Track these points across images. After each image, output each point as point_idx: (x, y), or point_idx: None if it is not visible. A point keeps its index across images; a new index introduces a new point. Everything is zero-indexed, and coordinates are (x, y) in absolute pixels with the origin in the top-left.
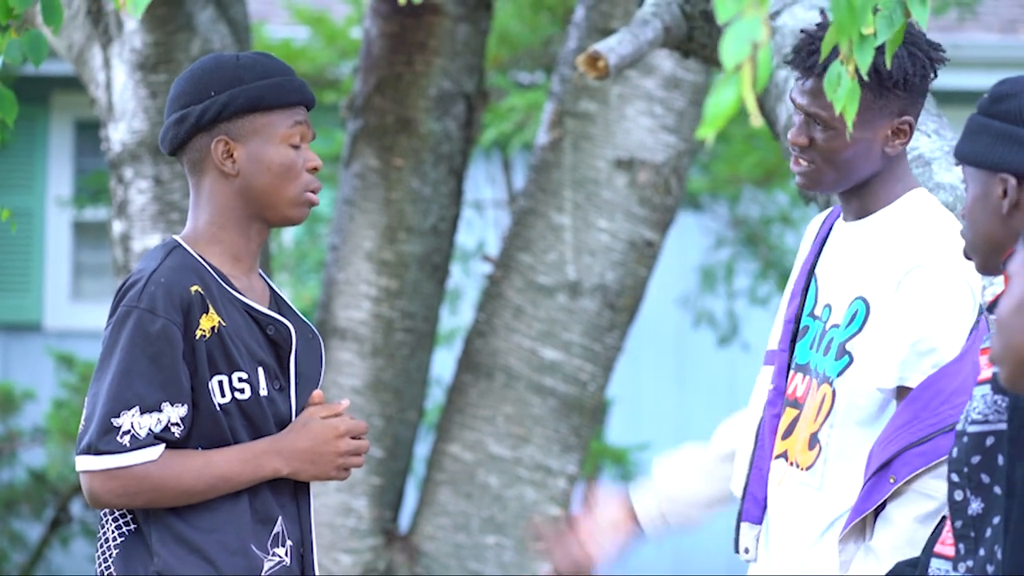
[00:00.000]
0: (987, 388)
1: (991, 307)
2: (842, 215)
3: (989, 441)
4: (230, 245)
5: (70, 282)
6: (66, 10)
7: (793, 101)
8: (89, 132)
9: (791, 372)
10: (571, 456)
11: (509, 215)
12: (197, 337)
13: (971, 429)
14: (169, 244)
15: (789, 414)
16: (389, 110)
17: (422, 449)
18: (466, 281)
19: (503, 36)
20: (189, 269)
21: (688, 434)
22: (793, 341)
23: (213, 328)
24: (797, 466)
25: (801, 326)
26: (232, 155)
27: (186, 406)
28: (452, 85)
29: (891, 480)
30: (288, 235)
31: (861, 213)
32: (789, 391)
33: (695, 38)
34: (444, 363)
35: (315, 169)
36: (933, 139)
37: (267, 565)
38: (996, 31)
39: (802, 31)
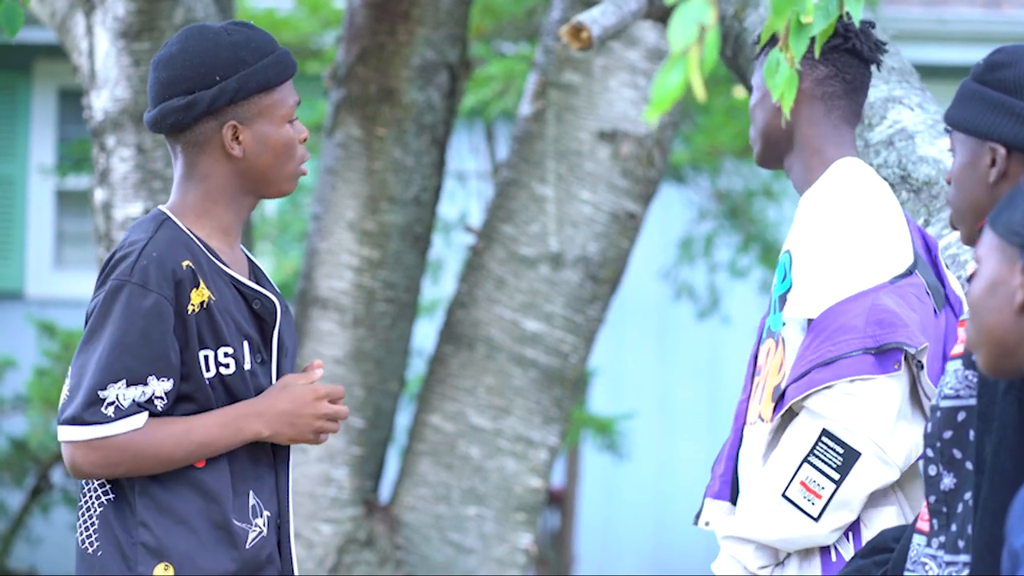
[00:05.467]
0: (959, 363)
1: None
2: None
3: (960, 416)
4: (220, 219)
5: (52, 250)
6: None
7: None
8: (72, 100)
9: (760, 346)
10: (552, 428)
11: (492, 186)
12: (188, 312)
13: (943, 404)
14: (158, 216)
15: (755, 383)
16: (372, 80)
17: (403, 419)
18: (447, 252)
19: (486, 6)
20: (180, 243)
21: (670, 405)
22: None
23: (202, 303)
24: (761, 419)
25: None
26: (238, 138)
27: (172, 381)
28: (435, 55)
29: (781, 414)
30: (270, 205)
31: (802, 187)
32: (758, 364)
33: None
34: (425, 334)
35: (304, 140)
36: (916, 112)
37: (251, 535)
38: (980, 5)
39: None
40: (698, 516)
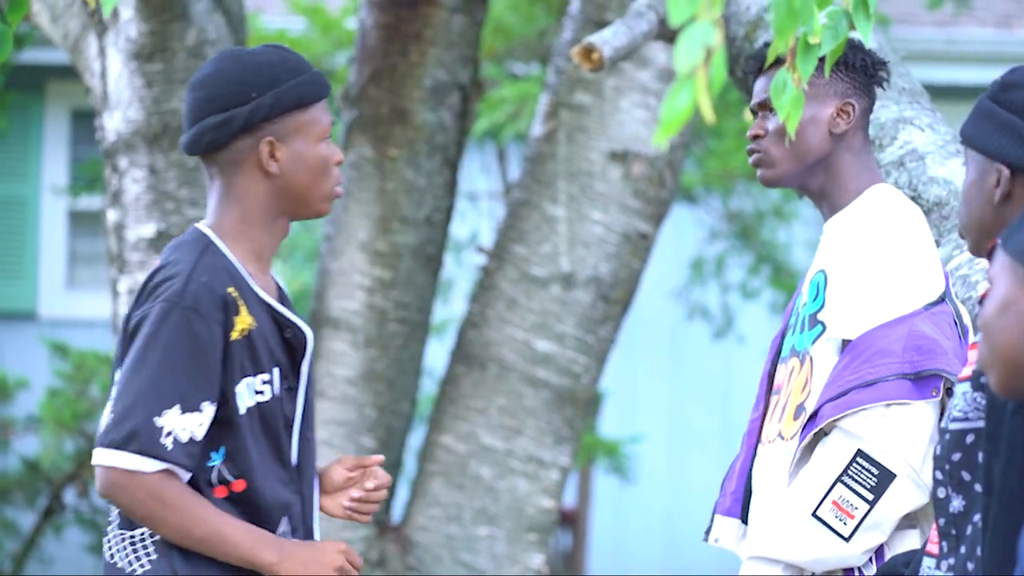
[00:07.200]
0: (967, 386)
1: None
2: (823, 221)
3: (969, 439)
4: (256, 243)
5: (65, 271)
6: None
7: (750, 106)
8: (85, 121)
9: (778, 366)
10: (564, 448)
11: (503, 206)
12: (231, 339)
13: (952, 427)
14: (202, 239)
15: (773, 402)
16: (384, 100)
17: (415, 440)
18: (458, 272)
19: (498, 27)
20: (224, 270)
21: (682, 425)
22: (779, 354)
23: (243, 330)
24: (781, 437)
25: (788, 326)
26: (275, 155)
27: (216, 405)
28: (447, 76)
29: (813, 432)
30: None
31: (832, 211)
32: (776, 384)
33: None
34: (435, 354)
35: (339, 163)
36: (927, 133)
37: None
38: (991, 26)
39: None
40: (708, 532)
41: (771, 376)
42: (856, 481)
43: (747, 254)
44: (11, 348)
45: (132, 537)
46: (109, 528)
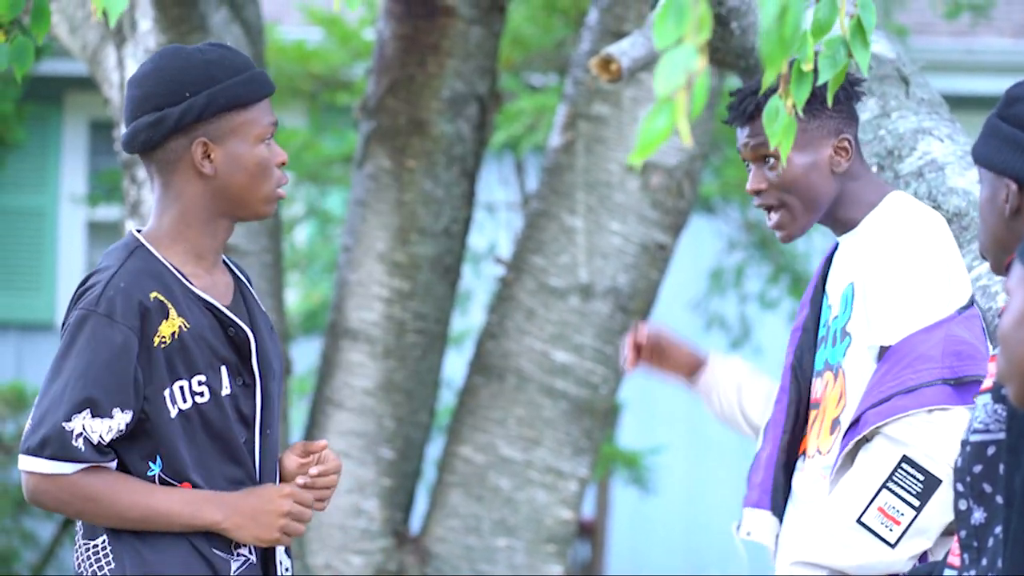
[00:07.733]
0: (988, 397)
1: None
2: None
3: (990, 451)
4: (194, 244)
5: None
6: (80, 10)
7: (741, 155)
8: (103, 132)
9: (813, 380)
10: (582, 459)
11: (521, 217)
12: (155, 344)
13: (973, 438)
14: (131, 244)
15: (811, 416)
16: (402, 111)
17: (433, 451)
18: (476, 283)
19: (516, 38)
20: (149, 275)
21: (700, 436)
22: (803, 350)
23: (174, 333)
24: (819, 452)
25: (819, 339)
26: (209, 156)
27: (132, 414)
28: (465, 87)
29: (855, 440)
30: (300, 235)
31: (848, 228)
32: (813, 398)
33: (708, 41)
34: (454, 365)
35: (283, 164)
36: (946, 144)
37: (234, 565)
38: (1009, 36)
39: (732, 92)
40: (739, 527)
41: (793, 368)
42: (902, 487)
43: (766, 264)
44: (30, 359)
45: (95, 546)
46: (77, 539)
